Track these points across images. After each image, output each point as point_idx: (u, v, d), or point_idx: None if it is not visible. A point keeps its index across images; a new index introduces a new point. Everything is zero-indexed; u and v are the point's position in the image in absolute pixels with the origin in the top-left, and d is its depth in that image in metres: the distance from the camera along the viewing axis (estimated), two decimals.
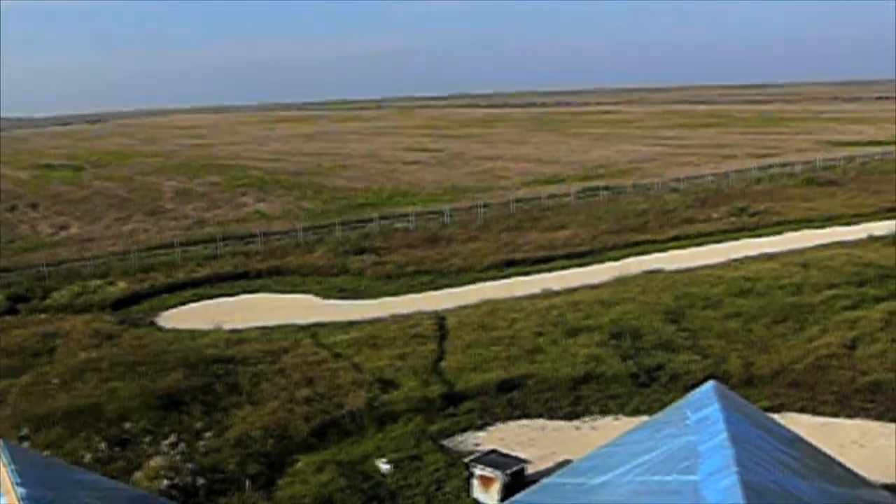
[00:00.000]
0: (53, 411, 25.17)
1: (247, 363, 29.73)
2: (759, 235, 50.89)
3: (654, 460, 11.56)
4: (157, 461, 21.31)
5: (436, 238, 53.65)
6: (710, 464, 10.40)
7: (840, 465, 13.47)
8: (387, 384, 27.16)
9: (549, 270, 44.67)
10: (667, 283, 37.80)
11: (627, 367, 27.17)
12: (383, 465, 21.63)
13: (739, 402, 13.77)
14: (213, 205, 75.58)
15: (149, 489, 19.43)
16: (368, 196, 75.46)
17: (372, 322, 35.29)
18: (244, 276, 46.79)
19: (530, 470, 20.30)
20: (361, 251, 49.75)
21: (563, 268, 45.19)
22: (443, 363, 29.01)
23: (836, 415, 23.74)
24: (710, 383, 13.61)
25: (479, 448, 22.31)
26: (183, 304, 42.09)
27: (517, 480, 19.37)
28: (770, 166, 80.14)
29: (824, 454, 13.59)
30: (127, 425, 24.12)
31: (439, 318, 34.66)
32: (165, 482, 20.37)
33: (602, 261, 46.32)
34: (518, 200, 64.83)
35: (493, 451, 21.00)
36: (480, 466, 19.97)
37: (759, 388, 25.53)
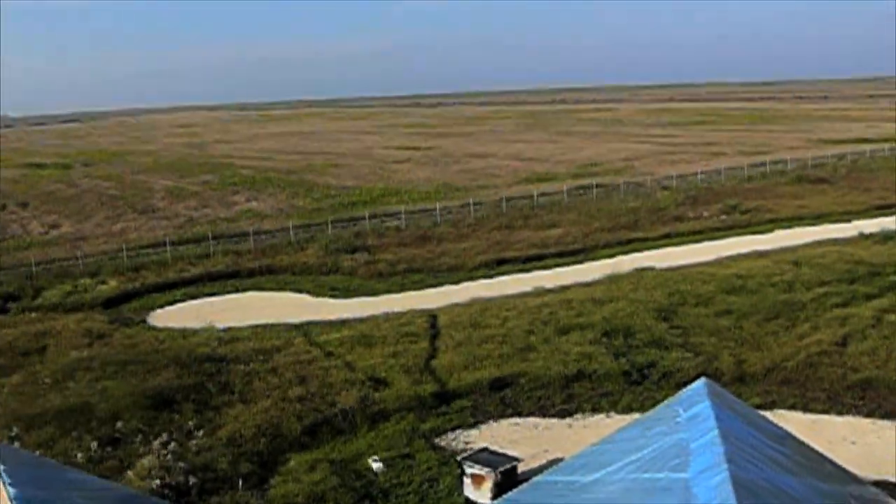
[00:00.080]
0: (44, 411, 25.07)
1: (239, 362, 29.67)
2: (751, 233, 51.03)
3: (645, 458, 11.58)
4: (148, 460, 21.25)
5: (427, 236, 53.64)
6: (701, 461, 10.42)
7: (831, 461, 13.52)
8: (379, 383, 27.15)
9: (541, 268, 44.71)
10: (658, 281, 37.88)
11: (619, 365, 27.21)
12: (375, 464, 21.62)
13: (730, 400, 13.80)
14: (204, 203, 75.38)
15: (140, 488, 19.38)
16: (360, 194, 75.34)
17: (364, 320, 35.27)
18: (236, 274, 46.67)
19: (522, 468, 20.31)
20: (353, 250, 49.70)
21: (555, 266, 45.24)
22: (435, 361, 29.00)
23: (826, 412, 23.80)
24: (702, 381, 13.63)
25: (470, 446, 22.31)
26: (174, 302, 41.97)
27: (509, 478, 19.38)
28: (761, 164, 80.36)
29: (815, 451, 13.63)
30: (118, 424, 24.04)
31: (431, 317, 34.66)
32: (157, 481, 20.31)
33: (594, 259, 46.37)
34: (510, 198, 64.87)
35: (485, 450, 20.99)
36: (472, 465, 19.97)
37: (750, 385, 25.60)
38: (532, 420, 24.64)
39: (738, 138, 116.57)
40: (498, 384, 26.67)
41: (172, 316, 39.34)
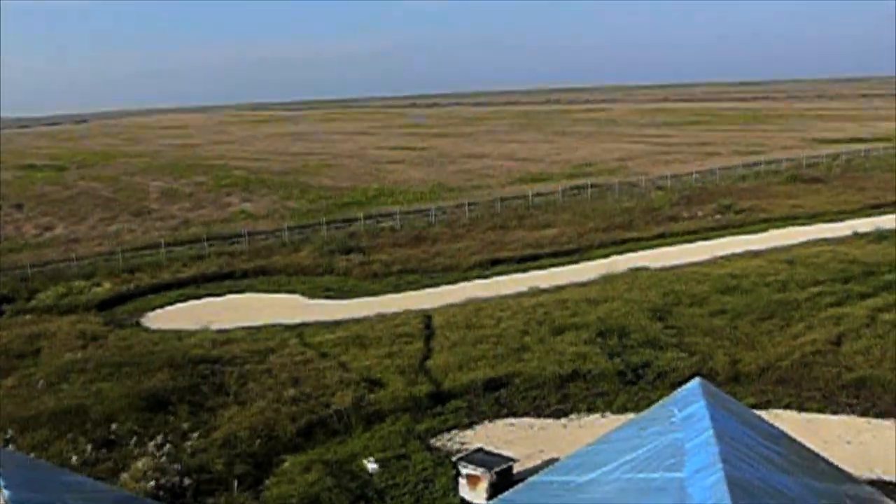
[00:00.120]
0: (39, 413, 24.99)
1: (233, 363, 29.64)
2: (745, 233, 51.12)
3: (640, 458, 11.58)
4: (143, 462, 21.21)
5: (422, 237, 53.64)
6: (695, 461, 10.43)
7: (825, 461, 13.53)
8: (374, 383, 27.13)
9: (536, 269, 44.73)
10: (653, 281, 37.92)
11: (614, 365, 27.22)
12: (370, 465, 21.61)
13: (725, 400, 13.81)
14: (198, 205, 75.28)
15: (135, 490, 19.34)
16: (354, 195, 75.32)
17: (358, 321, 35.25)
18: (230, 276, 46.61)
19: (517, 468, 20.32)
20: (348, 250, 49.65)
21: (550, 266, 45.26)
22: (429, 362, 28.99)
23: (821, 411, 23.86)
24: (696, 380, 13.63)
25: (466, 447, 22.31)
26: (169, 304, 41.89)
27: (504, 479, 19.39)
28: (755, 164, 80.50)
29: (810, 450, 13.65)
30: (113, 426, 23.99)
31: (426, 317, 34.64)
32: (152, 483, 20.27)
33: (588, 259, 46.40)
34: (504, 199, 64.87)
35: (480, 450, 20.99)
36: (468, 465, 19.97)
37: (745, 385, 25.64)
38: (527, 420, 24.64)
39: (732, 138, 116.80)
40: (493, 384, 26.67)
41: (167, 317, 39.28)
